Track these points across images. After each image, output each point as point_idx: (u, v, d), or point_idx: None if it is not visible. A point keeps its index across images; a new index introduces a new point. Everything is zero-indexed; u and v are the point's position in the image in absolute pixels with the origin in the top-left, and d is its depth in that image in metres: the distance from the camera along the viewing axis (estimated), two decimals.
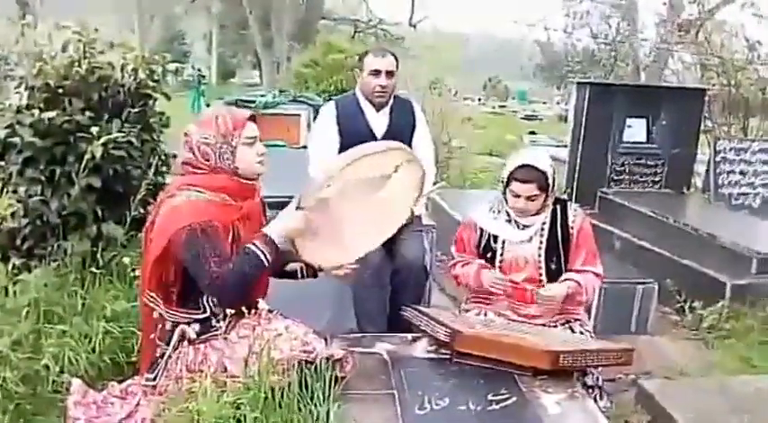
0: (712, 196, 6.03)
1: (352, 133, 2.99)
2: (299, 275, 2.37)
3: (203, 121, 2.14)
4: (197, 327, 2.12)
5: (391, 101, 3.14)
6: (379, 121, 3.10)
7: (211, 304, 2.10)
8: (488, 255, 2.65)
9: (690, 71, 9.55)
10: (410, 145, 3.13)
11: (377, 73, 3.05)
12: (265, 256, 2.03)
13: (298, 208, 2.12)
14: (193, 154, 2.10)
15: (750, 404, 2.55)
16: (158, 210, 2.12)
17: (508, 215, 2.63)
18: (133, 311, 2.71)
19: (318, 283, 2.45)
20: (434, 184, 3.20)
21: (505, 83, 31.14)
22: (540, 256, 2.59)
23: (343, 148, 2.94)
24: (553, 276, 2.58)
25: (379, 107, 3.11)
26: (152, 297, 2.13)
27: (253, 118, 2.17)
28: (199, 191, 2.05)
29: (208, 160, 2.09)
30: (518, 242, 2.61)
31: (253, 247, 2.03)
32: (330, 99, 4.08)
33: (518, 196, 2.54)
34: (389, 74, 3.06)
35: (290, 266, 2.35)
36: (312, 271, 2.35)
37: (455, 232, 2.84)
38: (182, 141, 2.14)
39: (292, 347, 1.97)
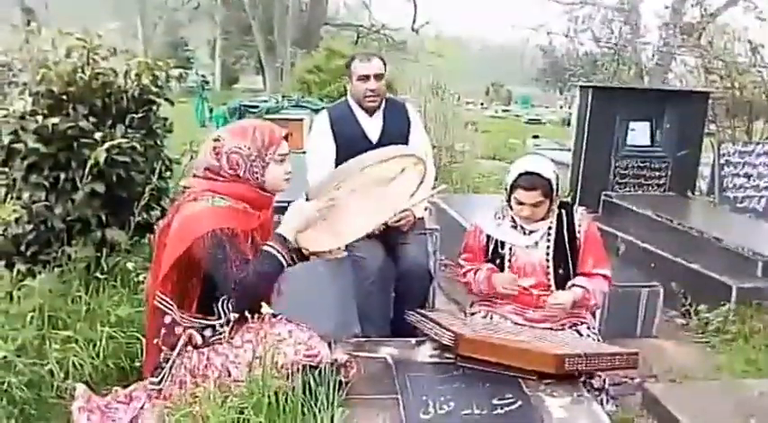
0: (717, 199, 6.02)
1: (347, 140, 2.99)
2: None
3: (239, 131, 2.13)
4: (209, 332, 2.10)
5: (384, 104, 3.13)
6: (372, 125, 3.09)
7: (227, 310, 2.08)
8: (497, 261, 2.64)
9: (693, 74, 9.54)
10: None
11: (365, 78, 3.03)
12: (283, 256, 2.05)
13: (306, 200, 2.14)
14: (220, 161, 2.09)
15: (756, 407, 2.53)
16: (176, 213, 2.11)
17: (513, 220, 2.62)
18: (137, 316, 2.72)
19: (323, 287, 2.44)
20: (434, 187, 3.20)
21: (508, 87, 31.15)
22: (547, 261, 2.59)
23: (339, 156, 2.95)
24: (561, 282, 2.58)
25: (371, 111, 3.10)
26: (165, 301, 2.10)
27: (286, 136, 2.18)
28: (222, 198, 2.06)
29: (236, 170, 2.08)
30: (525, 247, 2.60)
31: (271, 250, 2.04)
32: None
33: (522, 204, 2.53)
34: (378, 77, 3.05)
35: None
36: (301, 255, 2.26)
37: (459, 236, 2.83)
38: (208, 146, 2.12)
39: (296, 352, 1.98)
